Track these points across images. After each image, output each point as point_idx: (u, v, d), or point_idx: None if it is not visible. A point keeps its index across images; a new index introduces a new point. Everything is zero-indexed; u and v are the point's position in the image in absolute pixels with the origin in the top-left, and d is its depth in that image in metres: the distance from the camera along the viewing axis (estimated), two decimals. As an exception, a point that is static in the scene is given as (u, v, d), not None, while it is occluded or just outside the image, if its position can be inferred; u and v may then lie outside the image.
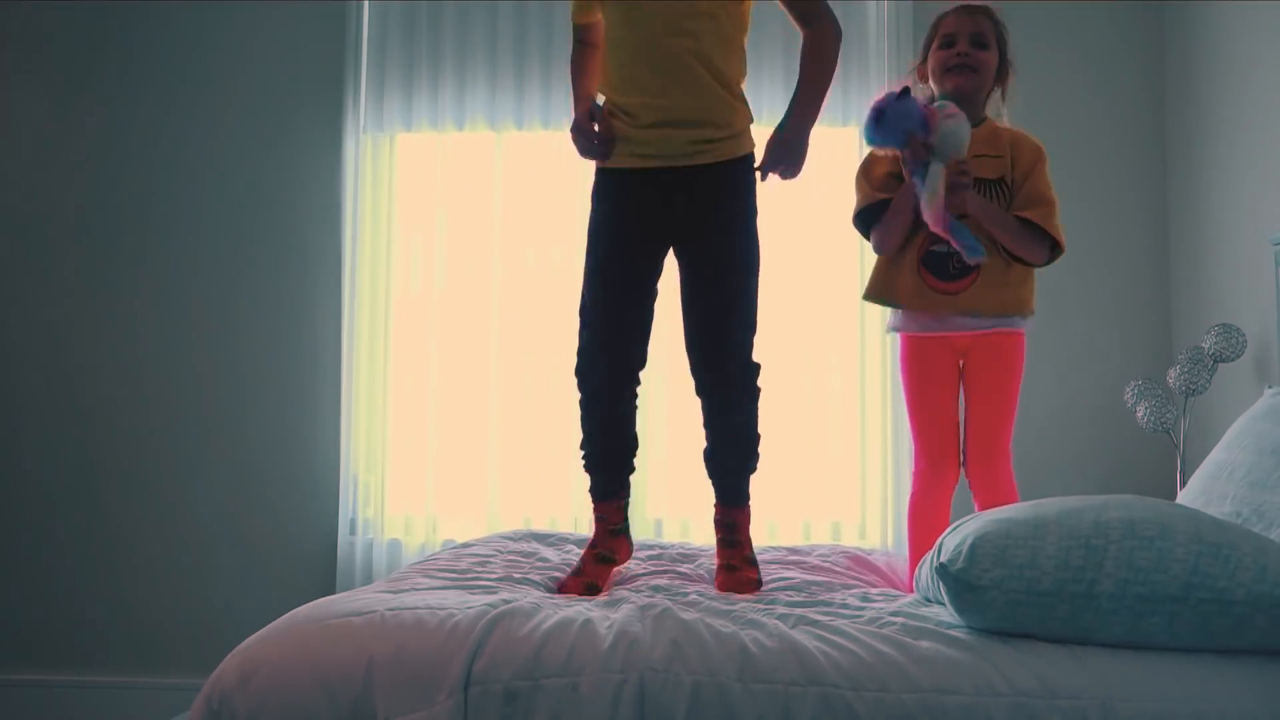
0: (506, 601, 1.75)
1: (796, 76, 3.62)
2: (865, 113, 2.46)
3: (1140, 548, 1.57)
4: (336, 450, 3.73)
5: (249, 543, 3.77)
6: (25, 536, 3.85)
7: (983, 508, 2.42)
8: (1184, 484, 3.17)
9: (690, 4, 2.15)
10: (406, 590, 1.91)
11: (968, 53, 2.49)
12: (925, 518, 2.47)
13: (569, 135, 2.26)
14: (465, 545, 2.60)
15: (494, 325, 3.72)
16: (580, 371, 2.25)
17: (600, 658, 1.54)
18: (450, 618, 1.65)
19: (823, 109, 2.28)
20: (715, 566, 2.23)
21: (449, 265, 3.77)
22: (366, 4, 3.80)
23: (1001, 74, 2.57)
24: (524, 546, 2.52)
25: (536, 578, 2.15)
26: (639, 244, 2.22)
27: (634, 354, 2.25)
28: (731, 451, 2.26)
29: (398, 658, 1.58)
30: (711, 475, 2.29)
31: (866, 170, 2.60)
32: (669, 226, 2.20)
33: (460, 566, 2.21)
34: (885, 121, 2.38)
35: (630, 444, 2.30)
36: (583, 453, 2.31)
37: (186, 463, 3.83)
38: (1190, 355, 3.13)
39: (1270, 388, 2.54)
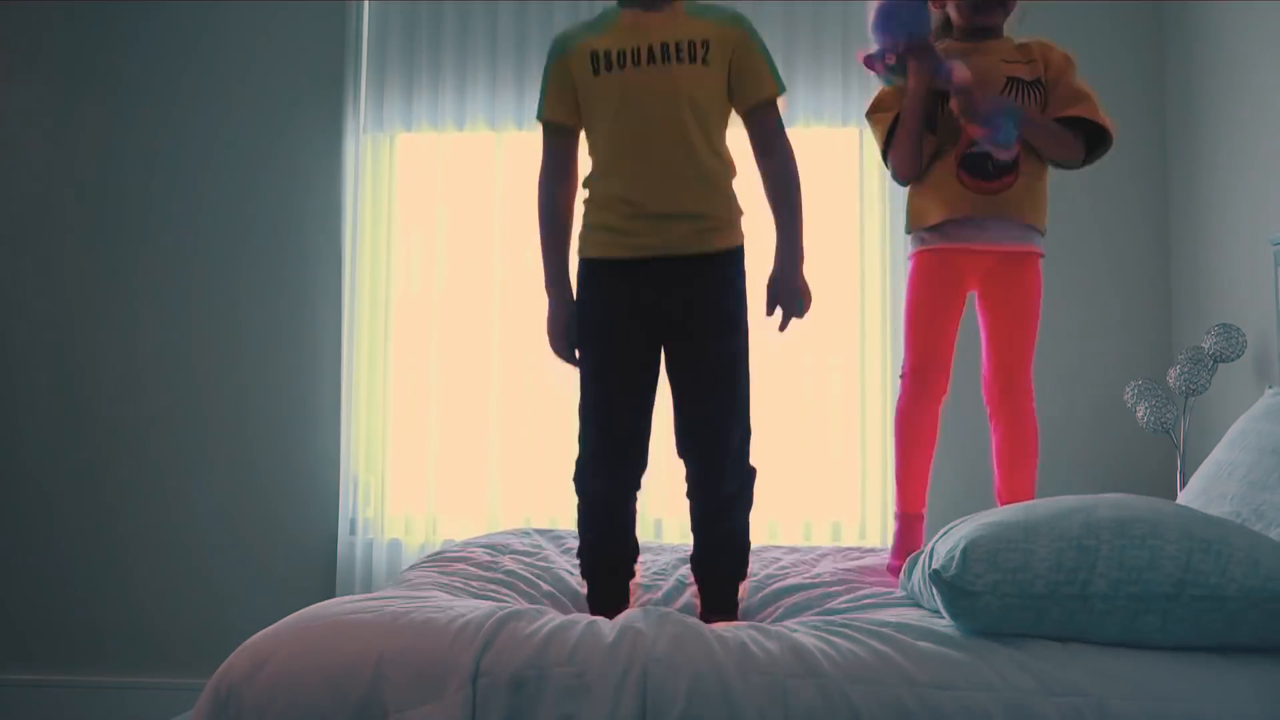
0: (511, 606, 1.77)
1: (795, 75, 3.67)
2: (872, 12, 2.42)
3: (1131, 546, 1.57)
4: (336, 450, 3.73)
5: (249, 543, 3.78)
6: (27, 536, 3.85)
7: (1001, 439, 2.42)
8: (1184, 484, 3.17)
9: (682, 93, 2.06)
10: (414, 595, 1.92)
11: None
12: (914, 430, 2.44)
13: (545, 330, 2.18)
14: (465, 544, 2.60)
15: (494, 325, 3.72)
16: (579, 480, 2.12)
17: (604, 651, 1.57)
18: (459, 618, 1.67)
19: (803, 240, 2.14)
20: None
21: (449, 265, 3.77)
22: (366, 4, 3.80)
23: None
24: (528, 544, 2.53)
25: (544, 585, 2.18)
26: (637, 342, 2.10)
27: (637, 462, 2.12)
28: (722, 560, 2.11)
29: (407, 654, 1.59)
30: (699, 581, 2.13)
31: (876, 105, 2.54)
32: (665, 322, 2.08)
33: (466, 571, 2.22)
34: (898, 19, 2.36)
35: (633, 552, 2.16)
36: (579, 561, 2.16)
37: (187, 463, 3.83)
38: (1190, 355, 3.13)
39: (1271, 388, 2.54)
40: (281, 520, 3.77)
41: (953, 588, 1.61)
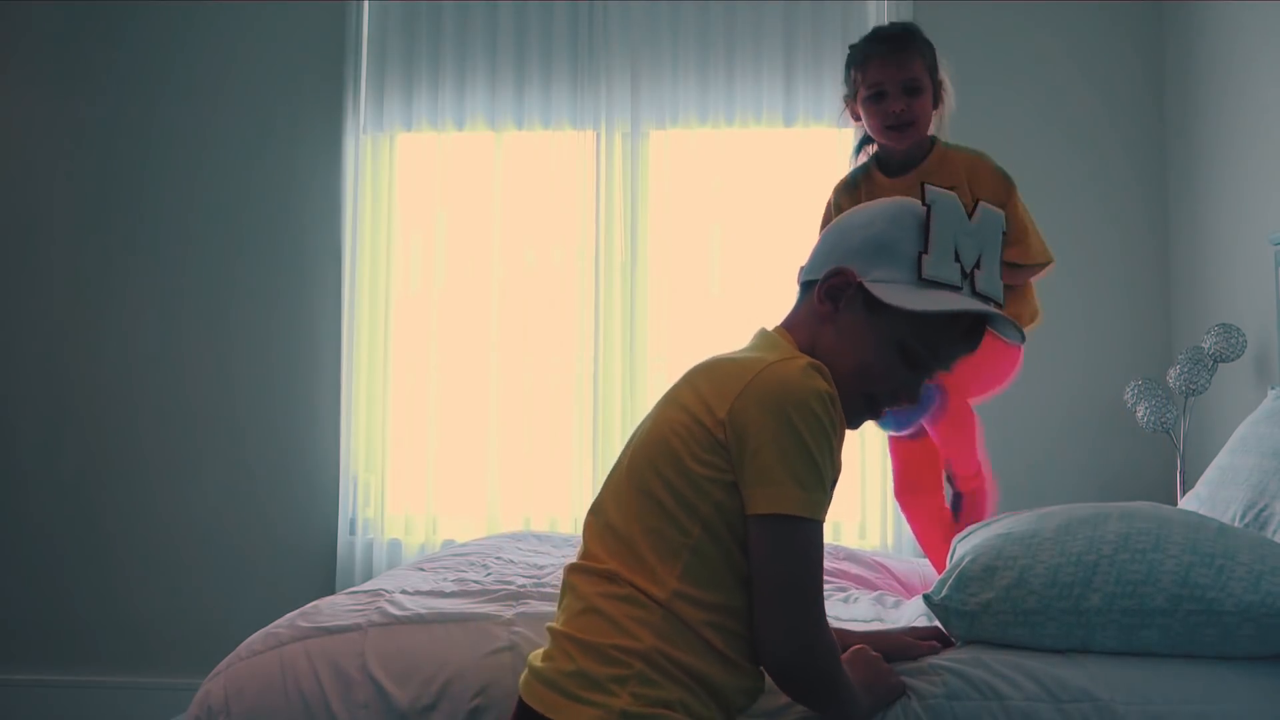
0: (512, 641, 1.67)
1: (795, 75, 3.66)
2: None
3: (1131, 561, 1.54)
4: (336, 450, 3.73)
5: (249, 543, 3.77)
6: (28, 537, 3.85)
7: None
8: (1185, 484, 3.17)
9: None
10: (399, 604, 1.84)
11: (903, 109, 2.22)
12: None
13: None
14: (463, 546, 2.59)
15: (494, 325, 3.72)
16: None
17: None
18: (445, 664, 1.61)
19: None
20: None
21: (449, 265, 3.77)
22: (366, 4, 3.80)
23: (936, 97, 2.29)
24: (524, 546, 2.51)
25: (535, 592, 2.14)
26: None
27: None
28: None
29: (385, 690, 1.58)
30: None
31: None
32: None
33: (458, 573, 2.18)
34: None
35: None
36: None
37: (186, 463, 3.82)
38: (1190, 355, 3.13)
39: (1272, 388, 2.54)
40: (281, 520, 3.77)
41: (945, 610, 1.60)
